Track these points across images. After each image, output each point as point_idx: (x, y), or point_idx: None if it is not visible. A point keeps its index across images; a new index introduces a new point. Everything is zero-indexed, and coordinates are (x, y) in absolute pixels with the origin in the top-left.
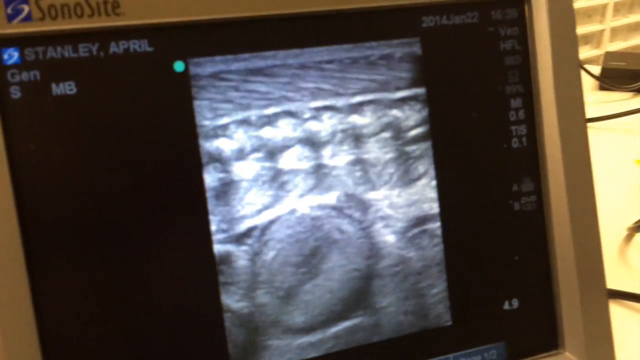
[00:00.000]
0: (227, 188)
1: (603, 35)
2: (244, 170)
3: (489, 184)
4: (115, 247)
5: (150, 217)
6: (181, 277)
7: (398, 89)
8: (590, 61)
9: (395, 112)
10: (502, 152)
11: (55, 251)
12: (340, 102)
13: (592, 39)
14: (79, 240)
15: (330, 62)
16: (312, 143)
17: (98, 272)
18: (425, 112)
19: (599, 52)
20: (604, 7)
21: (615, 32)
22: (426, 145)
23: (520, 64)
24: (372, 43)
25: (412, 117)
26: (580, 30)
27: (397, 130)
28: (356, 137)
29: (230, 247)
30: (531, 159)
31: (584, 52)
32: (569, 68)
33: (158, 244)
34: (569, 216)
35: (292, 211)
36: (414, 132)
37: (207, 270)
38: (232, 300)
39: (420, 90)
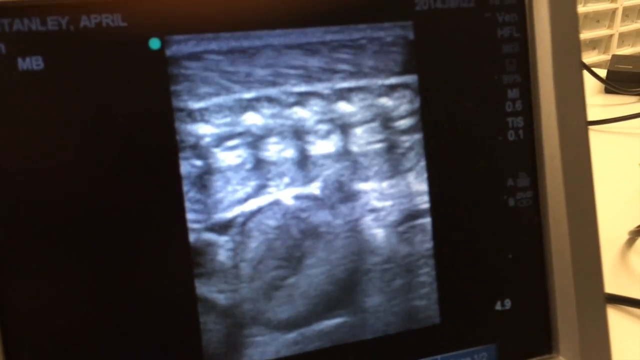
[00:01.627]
0: (204, 176)
1: (611, 40)
2: (223, 157)
3: (482, 178)
4: (83, 235)
5: (122, 204)
6: (154, 268)
7: (388, 75)
8: (598, 66)
9: (384, 100)
10: (497, 145)
11: (19, 237)
12: (326, 87)
13: (601, 44)
14: (44, 227)
15: (316, 44)
16: (296, 130)
17: (65, 260)
18: (416, 101)
19: (606, 57)
20: (613, 12)
21: (624, 38)
22: (417, 136)
23: (518, 52)
24: (362, 25)
25: (402, 106)
26: (589, 35)
27: (386, 119)
28: (343, 126)
29: (208, 237)
30: (528, 153)
31: (592, 57)
32: (569, 58)
33: (129, 231)
34: (567, 214)
35: (275, 202)
36: (404, 122)
37: (182, 260)
38: (208, 293)
39: (412, 78)
